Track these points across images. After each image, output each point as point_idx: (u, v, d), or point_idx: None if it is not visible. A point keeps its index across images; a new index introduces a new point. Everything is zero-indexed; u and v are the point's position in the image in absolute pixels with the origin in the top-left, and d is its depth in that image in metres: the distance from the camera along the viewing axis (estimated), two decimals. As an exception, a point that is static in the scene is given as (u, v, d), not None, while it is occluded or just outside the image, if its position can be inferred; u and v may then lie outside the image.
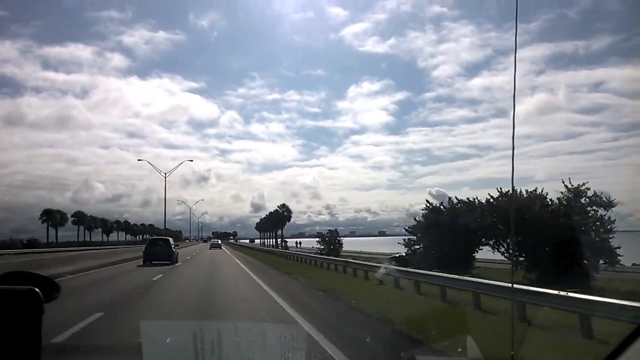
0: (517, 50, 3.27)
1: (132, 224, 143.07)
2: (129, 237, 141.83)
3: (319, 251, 49.60)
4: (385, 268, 17.16)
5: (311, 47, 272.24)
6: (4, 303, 1.47)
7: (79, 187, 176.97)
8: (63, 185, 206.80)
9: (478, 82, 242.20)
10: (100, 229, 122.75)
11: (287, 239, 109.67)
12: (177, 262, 31.42)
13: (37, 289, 1.49)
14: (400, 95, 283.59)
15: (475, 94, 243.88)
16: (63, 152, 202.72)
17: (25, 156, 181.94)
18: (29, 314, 1.46)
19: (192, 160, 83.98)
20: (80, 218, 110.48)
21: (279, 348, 5.83)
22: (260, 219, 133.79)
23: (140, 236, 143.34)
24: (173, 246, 32.53)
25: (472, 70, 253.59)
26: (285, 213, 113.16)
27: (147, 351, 4.68)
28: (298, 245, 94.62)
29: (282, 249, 78.74)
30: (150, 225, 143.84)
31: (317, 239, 58.95)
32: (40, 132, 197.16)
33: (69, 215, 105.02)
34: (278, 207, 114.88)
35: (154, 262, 29.67)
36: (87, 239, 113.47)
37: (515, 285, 10.06)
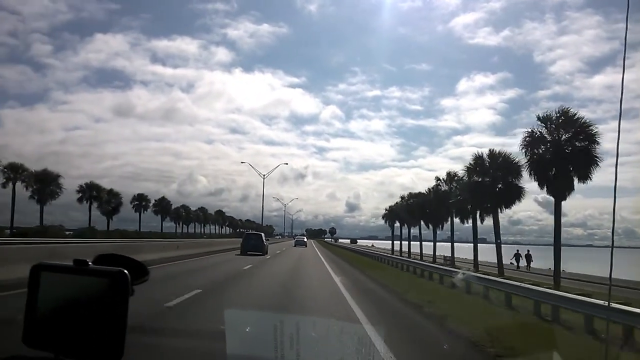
0: None
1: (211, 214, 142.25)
2: (226, 229, 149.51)
3: None
4: (464, 274, 16.68)
5: (416, 40, 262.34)
6: (94, 282, 1.61)
7: (183, 180, 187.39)
8: (168, 178, 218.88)
9: (600, 79, 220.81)
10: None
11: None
12: (267, 254, 35.92)
13: (126, 271, 1.60)
14: (511, 93, 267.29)
15: (595, 92, 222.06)
16: (169, 145, 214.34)
17: (134, 149, 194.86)
18: (117, 294, 1.58)
19: (287, 164, 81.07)
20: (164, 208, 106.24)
21: (356, 350, 5.84)
22: (403, 198, 70.80)
23: (230, 229, 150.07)
24: (264, 240, 37.97)
25: (594, 66, 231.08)
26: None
27: (229, 338, 4.84)
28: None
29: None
30: (248, 221, 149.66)
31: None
32: (148, 125, 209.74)
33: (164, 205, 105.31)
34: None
35: (248, 253, 34.41)
36: (185, 230, 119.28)
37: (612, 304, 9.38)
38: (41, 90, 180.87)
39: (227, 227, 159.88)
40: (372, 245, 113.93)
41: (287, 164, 76.88)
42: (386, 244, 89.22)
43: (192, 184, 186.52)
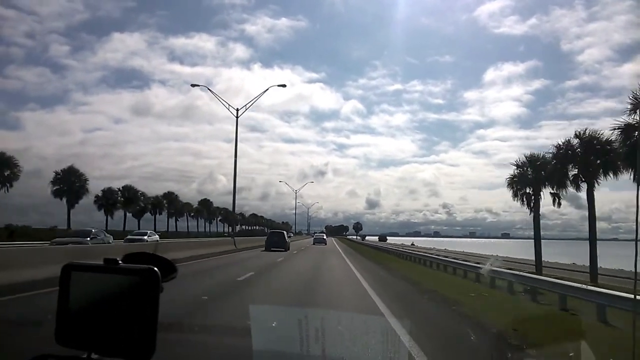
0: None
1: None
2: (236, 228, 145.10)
3: None
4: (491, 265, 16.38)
5: (439, 31, 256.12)
6: (125, 280, 1.63)
7: (203, 180, 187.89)
8: (189, 178, 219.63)
9: (630, 68, 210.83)
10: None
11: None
12: (289, 249, 40.81)
13: (156, 269, 1.63)
14: (537, 84, 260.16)
15: (625, 82, 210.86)
16: (189, 145, 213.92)
17: (154, 149, 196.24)
18: (147, 291, 1.61)
19: (285, 86, 52.74)
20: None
21: (381, 343, 5.83)
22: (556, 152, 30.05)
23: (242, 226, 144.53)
24: (287, 238, 43.91)
25: (624, 53, 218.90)
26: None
27: (255, 334, 4.87)
28: None
29: None
30: (254, 215, 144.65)
31: None
32: (167, 125, 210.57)
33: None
34: None
35: (272, 249, 38.80)
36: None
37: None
38: (61, 92, 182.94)
39: (221, 223, 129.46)
40: (412, 244, 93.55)
41: (285, 85, 52.97)
42: (422, 242, 73.51)
43: (212, 183, 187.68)
